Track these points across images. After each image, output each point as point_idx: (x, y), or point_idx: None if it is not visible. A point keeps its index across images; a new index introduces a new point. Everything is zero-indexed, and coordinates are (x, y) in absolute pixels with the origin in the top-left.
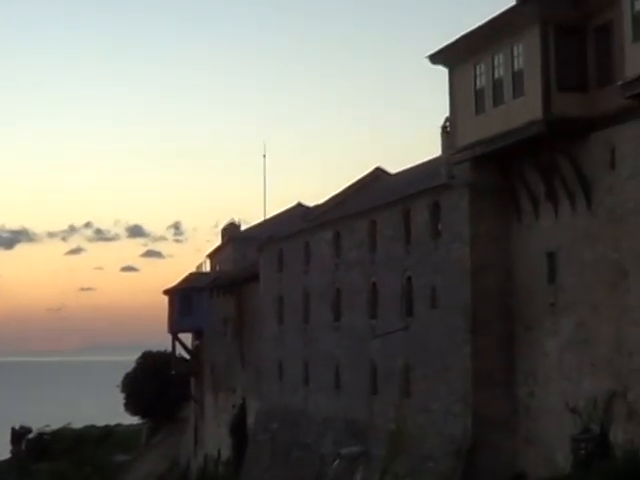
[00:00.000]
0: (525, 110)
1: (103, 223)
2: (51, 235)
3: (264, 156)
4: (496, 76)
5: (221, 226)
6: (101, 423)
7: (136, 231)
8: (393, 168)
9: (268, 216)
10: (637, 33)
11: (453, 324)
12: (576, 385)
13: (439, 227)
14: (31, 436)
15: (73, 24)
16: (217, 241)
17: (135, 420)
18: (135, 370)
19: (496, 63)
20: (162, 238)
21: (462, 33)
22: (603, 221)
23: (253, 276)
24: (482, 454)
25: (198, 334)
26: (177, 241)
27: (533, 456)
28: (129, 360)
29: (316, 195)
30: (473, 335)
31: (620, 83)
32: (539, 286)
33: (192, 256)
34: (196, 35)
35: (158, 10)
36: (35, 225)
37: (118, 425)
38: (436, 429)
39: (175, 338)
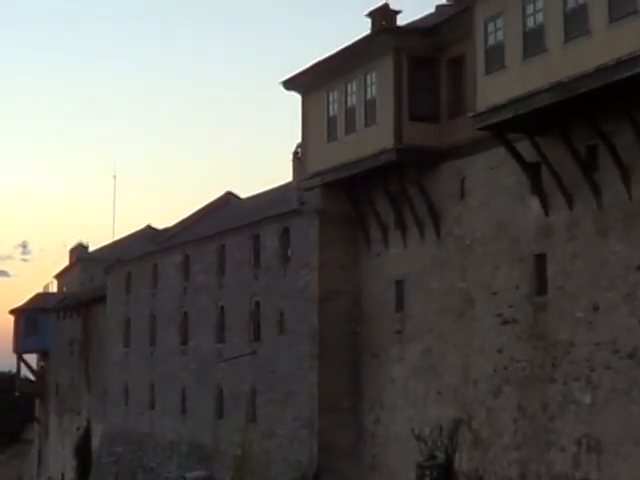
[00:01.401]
0: (376, 139)
1: None
2: None
3: (114, 177)
4: (349, 104)
5: (69, 247)
6: None
7: None
8: (244, 193)
9: (117, 238)
10: (489, 66)
11: (300, 350)
12: (422, 412)
13: (288, 253)
14: None
15: None
16: (65, 262)
17: None
18: None
19: (349, 91)
20: (8, 257)
21: (316, 60)
22: (451, 250)
23: (100, 298)
24: None
25: (44, 355)
26: (24, 260)
27: None
28: None
29: (166, 218)
30: (320, 361)
31: (471, 115)
32: (387, 314)
33: (39, 276)
34: (50, 45)
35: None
36: None
37: None
38: (282, 454)
39: (20, 359)
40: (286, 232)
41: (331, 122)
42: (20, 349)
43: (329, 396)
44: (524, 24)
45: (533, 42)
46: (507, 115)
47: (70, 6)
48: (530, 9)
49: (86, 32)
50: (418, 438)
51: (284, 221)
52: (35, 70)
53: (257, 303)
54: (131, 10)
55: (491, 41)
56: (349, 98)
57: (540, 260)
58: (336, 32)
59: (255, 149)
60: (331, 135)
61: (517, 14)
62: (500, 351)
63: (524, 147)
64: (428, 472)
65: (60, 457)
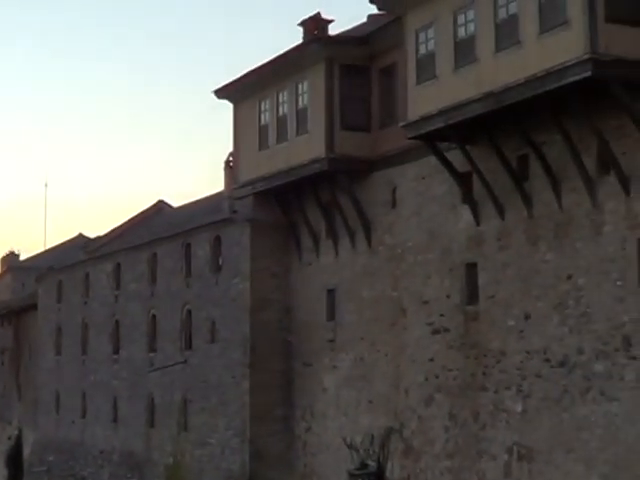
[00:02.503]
0: (308, 148)
1: None
2: None
3: (46, 185)
4: (280, 113)
5: (1, 255)
6: None
7: None
8: (176, 201)
9: (48, 246)
10: (420, 76)
11: (232, 359)
12: (353, 421)
13: (220, 261)
14: None
15: None
16: None
17: None
18: None
19: (281, 100)
20: None
21: (248, 69)
22: (383, 260)
23: (32, 306)
24: None
25: None
26: None
27: None
28: None
29: (98, 226)
30: (252, 370)
31: (402, 124)
32: (318, 322)
33: None
34: None
35: None
36: None
37: None
38: (214, 463)
39: None
40: (218, 241)
41: (263, 131)
42: None
43: (261, 405)
44: (455, 34)
45: (464, 52)
46: (438, 125)
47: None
48: (461, 19)
49: (19, 37)
50: (350, 446)
51: (216, 230)
52: None
53: (189, 312)
54: (61, 14)
55: (422, 51)
56: (281, 107)
57: (471, 269)
58: (268, 41)
59: (187, 157)
60: (263, 144)
61: (448, 24)
62: (432, 360)
63: (455, 156)
64: None
65: None
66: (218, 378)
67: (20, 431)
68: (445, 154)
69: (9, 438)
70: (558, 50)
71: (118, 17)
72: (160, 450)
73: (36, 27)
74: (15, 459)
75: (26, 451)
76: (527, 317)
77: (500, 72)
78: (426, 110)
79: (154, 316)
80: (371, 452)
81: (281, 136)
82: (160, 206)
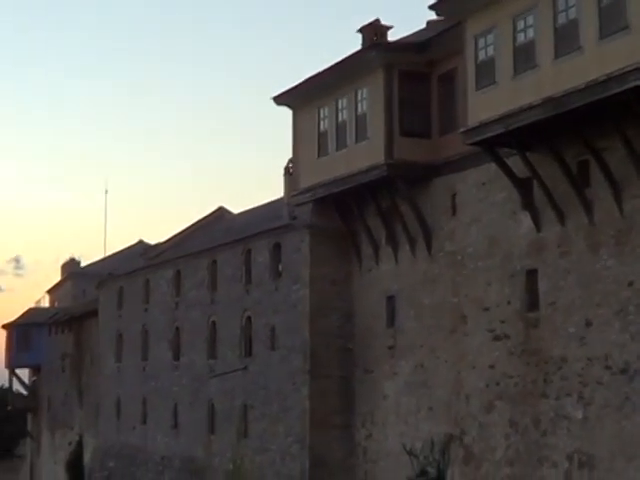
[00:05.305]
0: (368, 154)
1: None
2: None
3: (106, 192)
4: (340, 119)
5: (62, 262)
6: None
7: None
8: (237, 208)
9: (109, 253)
10: (480, 82)
11: (292, 365)
12: (414, 427)
13: (280, 268)
14: None
15: None
16: (58, 277)
17: None
18: None
19: (340, 106)
20: (2, 272)
21: (307, 76)
22: (443, 266)
23: (92, 312)
24: None
25: (36, 370)
26: (17, 275)
27: None
28: None
29: (158, 233)
30: (311, 377)
31: (462, 130)
32: (379, 329)
33: (33, 291)
34: (42, 59)
35: None
36: None
37: None
38: (274, 470)
39: (12, 373)
40: (277, 247)
41: (322, 137)
42: (12, 364)
43: (321, 411)
44: (515, 39)
45: (524, 58)
46: (498, 130)
47: (70, 23)
48: (521, 25)
49: (80, 49)
50: (410, 453)
51: (275, 236)
52: (27, 83)
53: (249, 318)
54: (123, 28)
55: (482, 56)
56: (340, 113)
57: (532, 276)
58: (327, 48)
59: (248, 164)
60: (322, 150)
61: (508, 30)
62: (492, 367)
63: (515, 163)
64: None
65: (52, 472)
66: (278, 385)
67: (81, 437)
68: (505, 160)
69: (70, 444)
70: (619, 55)
71: (179, 29)
72: (220, 456)
73: (99, 40)
74: (76, 465)
75: (87, 457)
76: (588, 324)
77: (560, 77)
78: (486, 116)
79: (214, 323)
80: (431, 459)
81: (340, 142)
82: (220, 213)
